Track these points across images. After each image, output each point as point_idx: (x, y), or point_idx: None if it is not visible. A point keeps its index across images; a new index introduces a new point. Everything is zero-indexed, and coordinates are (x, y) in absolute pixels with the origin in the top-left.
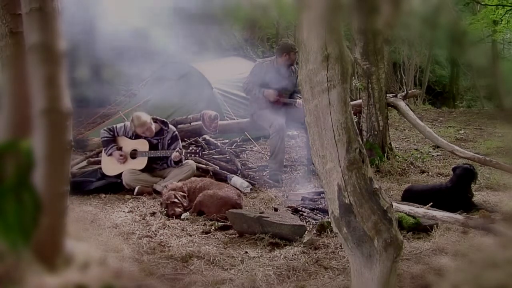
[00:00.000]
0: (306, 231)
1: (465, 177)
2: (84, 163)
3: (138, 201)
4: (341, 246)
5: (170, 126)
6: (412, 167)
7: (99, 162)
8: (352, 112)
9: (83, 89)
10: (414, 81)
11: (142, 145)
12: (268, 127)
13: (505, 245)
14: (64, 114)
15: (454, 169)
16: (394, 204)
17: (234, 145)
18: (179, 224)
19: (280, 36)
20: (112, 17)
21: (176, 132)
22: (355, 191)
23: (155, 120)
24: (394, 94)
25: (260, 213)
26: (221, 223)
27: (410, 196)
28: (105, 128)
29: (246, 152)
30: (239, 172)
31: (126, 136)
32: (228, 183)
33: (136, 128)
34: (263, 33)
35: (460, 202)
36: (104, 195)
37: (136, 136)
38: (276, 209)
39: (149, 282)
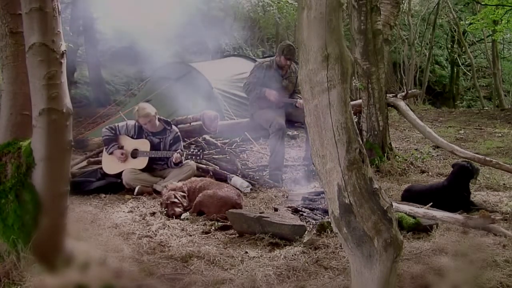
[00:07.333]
0: (306, 231)
1: (460, 174)
2: (84, 163)
3: (138, 201)
4: (341, 246)
5: (173, 126)
6: (412, 167)
7: (99, 162)
8: (352, 112)
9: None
10: (414, 81)
11: (143, 145)
12: (268, 127)
13: (505, 245)
14: (64, 114)
15: (453, 166)
16: (394, 204)
17: (234, 145)
18: (179, 224)
19: (280, 36)
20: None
21: (179, 133)
22: (355, 191)
23: (158, 119)
24: (394, 94)
25: (260, 213)
26: (221, 223)
27: (410, 196)
28: (107, 127)
29: (246, 152)
30: (239, 172)
31: (128, 135)
32: (228, 183)
33: (139, 118)
34: (263, 33)
35: (456, 200)
36: (104, 195)
37: (138, 136)
38: (276, 209)
39: (149, 282)
